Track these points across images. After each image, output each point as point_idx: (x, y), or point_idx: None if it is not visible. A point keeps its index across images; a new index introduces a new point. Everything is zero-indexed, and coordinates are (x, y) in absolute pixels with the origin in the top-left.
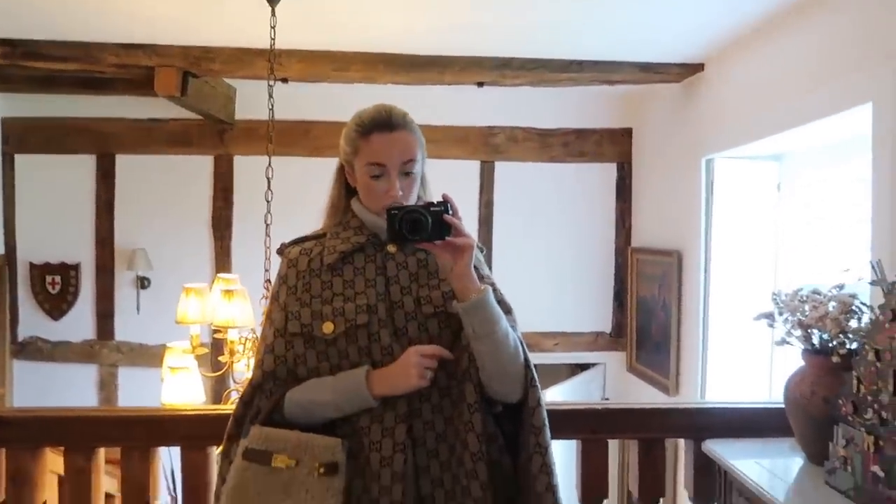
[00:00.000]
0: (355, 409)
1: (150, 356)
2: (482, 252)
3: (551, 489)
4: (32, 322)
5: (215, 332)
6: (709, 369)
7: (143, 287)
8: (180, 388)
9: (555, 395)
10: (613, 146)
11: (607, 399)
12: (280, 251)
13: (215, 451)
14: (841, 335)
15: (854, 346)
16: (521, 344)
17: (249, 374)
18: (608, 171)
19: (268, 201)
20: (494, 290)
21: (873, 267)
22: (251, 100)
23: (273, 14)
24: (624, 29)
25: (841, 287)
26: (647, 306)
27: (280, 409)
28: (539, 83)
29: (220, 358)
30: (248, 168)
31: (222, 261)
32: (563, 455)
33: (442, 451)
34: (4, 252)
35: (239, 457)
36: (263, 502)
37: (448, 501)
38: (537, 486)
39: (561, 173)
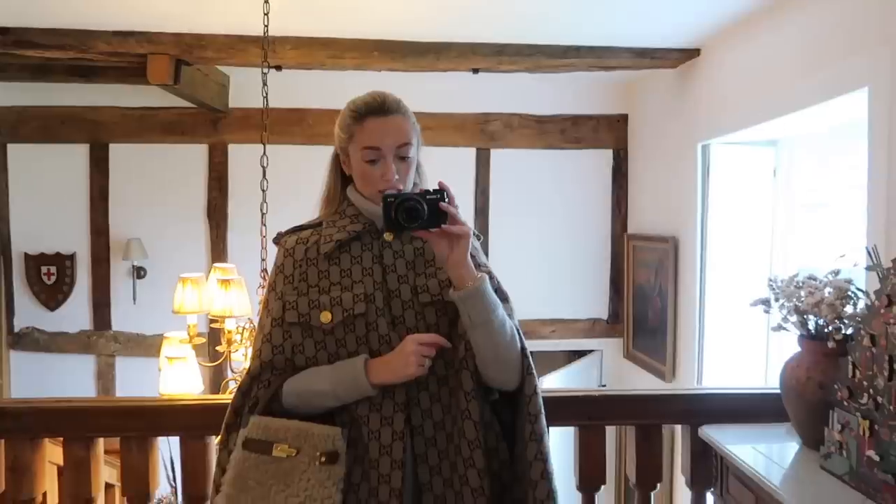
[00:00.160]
0: (353, 398)
1: (147, 346)
2: (479, 240)
3: (546, 476)
4: (28, 313)
5: (212, 321)
6: (705, 355)
7: (139, 277)
8: (178, 377)
9: (552, 382)
10: (610, 133)
11: (604, 385)
12: (276, 240)
13: (214, 441)
14: (837, 321)
15: (850, 331)
16: (518, 332)
17: (247, 364)
18: (604, 157)
19: (263, 190)
20: (491, 278)
21: (869, 252)
22: (245, 87)
23: (266, 0)
24: (620, 14)
25: (837, 273)
26: (643, 293)
27: (278, 399)
28: (535, 69)
29: (217, 347)
30: (242, 156)
31: (218, 249)
32: (561, 442)
33: (440, 439)
34: None
35: (238, 447)
36: (263, 492)
37: (446, 489)
38: (532, 474)
39: (557, 160)
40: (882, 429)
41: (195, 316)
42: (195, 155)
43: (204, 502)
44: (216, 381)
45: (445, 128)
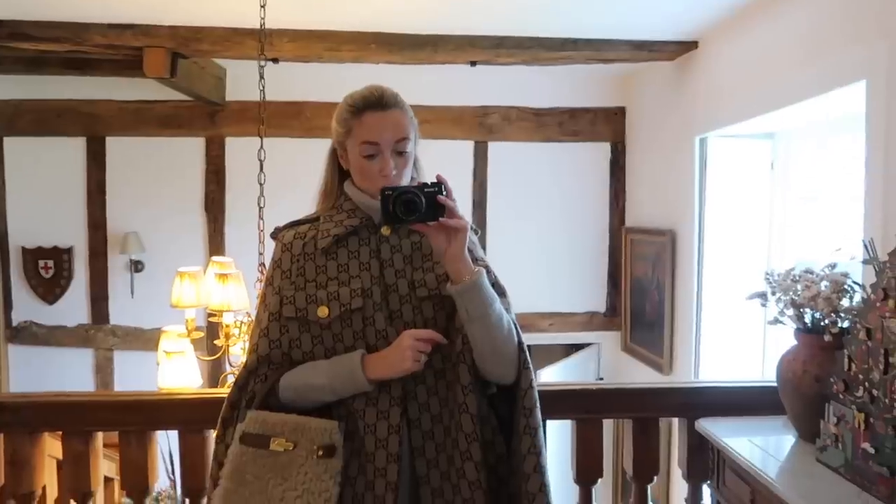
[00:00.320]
0: (350, 393)
1: (145, 340)
2: (476, 234)
3: (539, 470)
4: (26, 307)
5: (210, 315)
6: (702, 348)
7: (137, 270)
8: (176, 371)
9: (550, 376)
10: (607, 125)
11: (602, 379)
12: (274, 235)
13: (213, 435)
14: (833, 314)
15: (846, 325)
16: (515, 326)
17: (244, 358)
18: (602, 150)
19: (260, 184)
20: (488, 272)
21: (865, 246)
22: (242, 80)
23: None
24: (618, 7)
25: (833, 266)
26: (641, 286)
27: (275, 393)
28: (533, 62)
29: (215, 341)
30: (239, 149)
31: (216, 243)
32: (559, 435)
33: (437, 433)
34: None
35: (236, 441)
36: (261, 485)
37: (443, 481)
38: (525, 467)
39: (555, 153)
40: (877, 422)
41: (193, 310)
42: (192, 148)
43: (202, 495)
44: (214, 375)
45: (443, 121)
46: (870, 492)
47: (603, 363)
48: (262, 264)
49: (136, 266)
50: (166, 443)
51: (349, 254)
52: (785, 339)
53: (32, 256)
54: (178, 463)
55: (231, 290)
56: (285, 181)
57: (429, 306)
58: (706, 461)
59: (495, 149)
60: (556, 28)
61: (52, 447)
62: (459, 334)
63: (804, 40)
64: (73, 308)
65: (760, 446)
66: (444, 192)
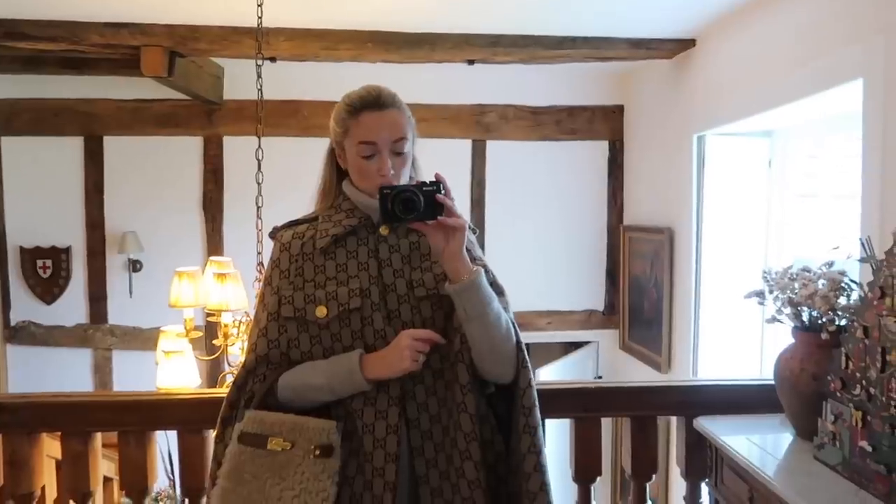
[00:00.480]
0: (349, 393)
1: (144, 339)
2: (474, 234)
3: (539, 469)
4: (24, 306)
5: (209, 315)
6: (700, 347)
7: (135, 270)
8: (175, 371)
9: (548, 374)
10: (605, 124)
11: (600, 377)
12: (272, 235)
13: (212, 434)
14: (830, 312)
15: (843, 323)
16: (513, 325)
17: (243, 358)
18: (600, 148)
19: (258, 183)
20: (486, 271)
21: (862, 244)
22: (239, 79)
23: None
24: (616, 5)
25: (830, 264)
26: (639, 284)
27: (274, 393)
28: (531, 60)
29: (214, 341)
30: (237, 148)
31: (214, 242)
32: (557, 434)
33: (436, 432)
34: None
35: (234, 441)
36: (259, 485)
37: (442, 481)
38: (525, 466)
39: (553, 151)
40: (874, 420)
41: (191, 310)
42: (190, 147)
43: (202, 495)
44: (213, 374)
45: (441, 119)
46: (867, 490)
47: (601, 361)
48: (261, 264)
49: (135, 266)
50: (165, 443)
51: (347, 253)
52: (783, 337)
53: (30, 256)
54: (178, 463)
55: (229, 290)
56: (283, 180)
57: (427, 306)
58: (704, 459)
59: (493, 147)
60: (554, 26)
61: (51, 447)
62: (458, 334)
63: (801, 38)
64: (71, 308)
65: (758, 444)
66: (443, 191)
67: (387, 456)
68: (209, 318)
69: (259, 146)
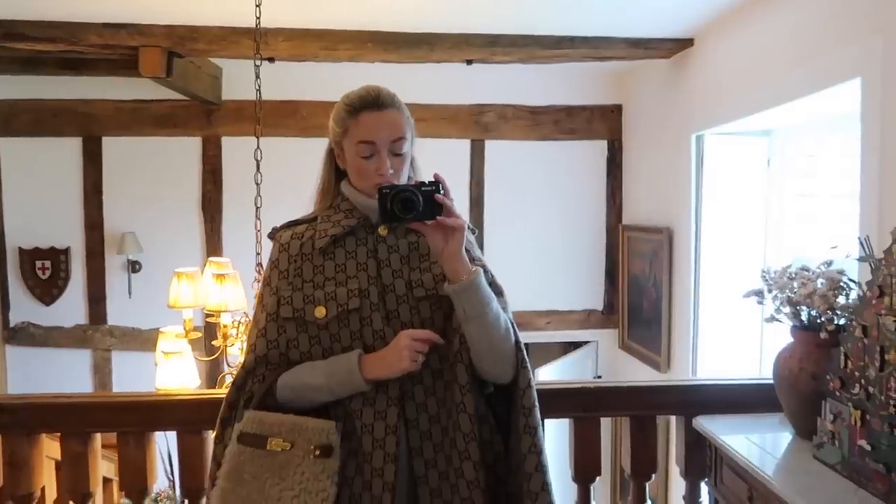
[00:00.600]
0: (348, 393)
1: (143, 340)
2: (473, 233)
3: (540, 469)
4: (24, 307)
5: (208, 316)
6: (700, 346)
7: (135, 271)
8: (174, 372)
9: (547, 374)
10: (604, 123)
11: (600, 377)
12: (271, 235)
13: (211, 435)
14: (829, 311)
15: (842, 322)
16: (512, 325)
17: (242, 359)
18: (599, 148)
19: (257, 183)
20: (485, 271)
21: (861, 243)
22: (238, 79)
23: None
24: (614, 4)
25: (829, 263)
26: (638, 284)
27: (273, 394)
28: (529, 60)
29: (213, 342)
30: (236, 149)
31: (213, 243)
32: (557, 433)
33: (435, 433)
34: None
35: (233, 441)
36: (258, 485)
37: (441, 482)
38: (526, 466)
39: (551, 151)
40: (873, 419)
41: (191, 310)
42: (189, 148)
43: (201, 495)
44: (212, 375)
45: (439, 119)
46: (866, 489)
47: (600, 361)
48: (260, 264)
49: (134, 266)
50: (165, 443)
51: (346, 254)
52: (782, 336)
53: (29, 257)
54: (177, 463)
55: (228, 291)
56: (282, 180)
57: (426, 306)
58: (704, 459)
59: (492, 147)
60: (552, 26)
61: (50, 448)
62: (457, 334)
63: (799, 38)
64: (70, 309)
65: (758, 444)
66: (442, 191)
67: (386, 456)
68: (208, 319)
69: (258, 146)
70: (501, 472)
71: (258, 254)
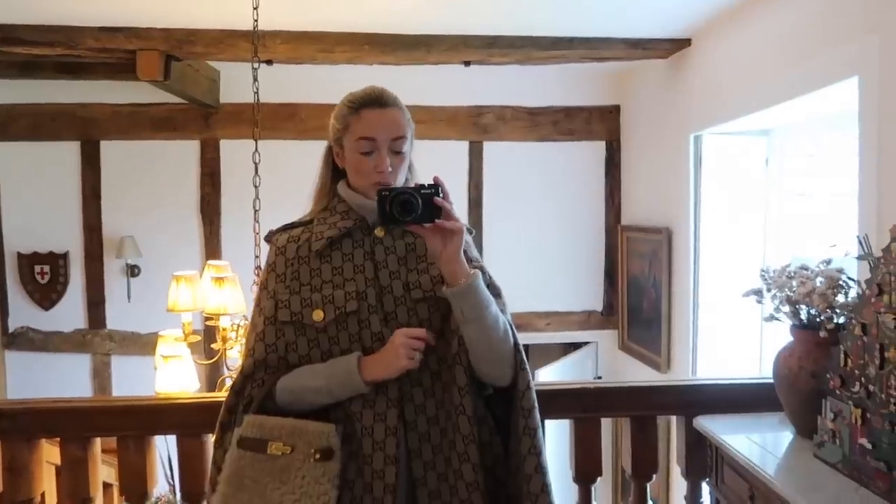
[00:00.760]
0: (347, 395)
1: (142, 344)
2: (470, 234)
3: (540, 470)
4: (23, 312)
5: (207, 319)
6: (699, 346)
7: (133, 275)
8: (174, 376)
9: (547, 375)
10: (602, 124)
11: (600, 378)
12: (268, 238)
13: (212, 439)
14: (828, 310)
15: (841, 320)
16: (511, 327)
17: (241, 363)
18: (597, 149)
19: (255, 186)
20: (483, 272)
21: (860, 241)
22: (236, 82)
23: None
24: (611, 5)
25: (828, 262)
26: (637, 284)
27: (272, 397)
28: (527, 61)
29: (212, 345)
30: (234, 152)
31: (212, 246)
32: (557, 434)
33: (433, 434)
34: None
35: (233, 446)
36: (259, 489)
37: (440, 483)
38: (526, 468)
39: (550, 152)
40: (874, 417)
41: (190, 314)
42: (187, 151)
43: (202, 499)
44: (212, 378)
45: (438, 121)
46: (868, 487)
47: (600, 362)
48: (258, 267)
49: (133, 270)
50: (165, 447)
51: (343, 256)
52: (781, 335)
53: (28, 262)
54: (177, 467)
55: (227, 294)
56: (281, 183)
57: (424, 308)
58: (705, 458)
59: (490, 149)
60: (550, 27)
61: (50, 453)
62: (455, 336)
63: (797, 37)
64: (69, 313)
65: (758, 443)
66: (441, 194)
67: (386, 458)
68: (207, 322)
69: (256, 149)
70: (501, 474)
71: (257, 257)
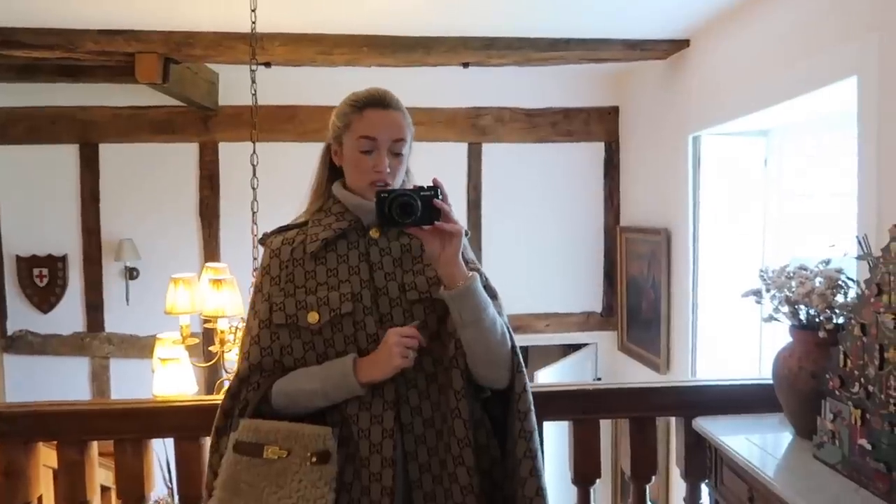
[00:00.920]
0: (343, 397)
1: (141, 347)
2: (467, 235)
3: (535, 474)
4: (21, 315)
5: (205, 321)
6: (699, 347)
7: (132, 278)
8: (172, 378)
9: (547, 377)
10: (601, 125)
11: (599, 379)
12: (262, 241)
13: (209, 442)
14: (827, 310)
15: (840, 321)
16: (508, 330)
17: (236, 366)
18: (596, 150)
19: (254, 188)
20: (480, 274)
21: (859, 242)
22: (235, 85)
23: None
24: (609, 6)
25: (827, 262)
26: (636, 285)
27: (268, 401)
28: (525, 62)
29: (210, 348)
30: (233, 154)
31: (211, 249)
32: (556, 436)
33: (429, 437)
34: None
35: (230, 450)
36: (256, 494)
37: (435, 486)
38: (521, 471)
39: (549, 153)
40: (873, 417)
41: (188, 316)
42: (186, 154)
43: (199, 503)
44: (210, 381)
45: (436, 122)
46: (867, 488)
47: (600, 363)
48: (257, 269)
49: (131, 273)
50: (163, 450)
51: (338, 258)
52: (781, 336)
53: (27, 265)
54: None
55: (225, 296)
56: (279, 186)
57: (419, 309)
58: (704, 460)
59: (489, 150)
60: (548, 28)
61: (47, 457)
62: (452, 338)
63: (795, 36)
64: (68, 316)
65: (758, 444)
66: (440, 196)
67: (383, 461)
68: (206, 325)
69: (254, 151)
70: (498, 477)
71: (255, 259)
